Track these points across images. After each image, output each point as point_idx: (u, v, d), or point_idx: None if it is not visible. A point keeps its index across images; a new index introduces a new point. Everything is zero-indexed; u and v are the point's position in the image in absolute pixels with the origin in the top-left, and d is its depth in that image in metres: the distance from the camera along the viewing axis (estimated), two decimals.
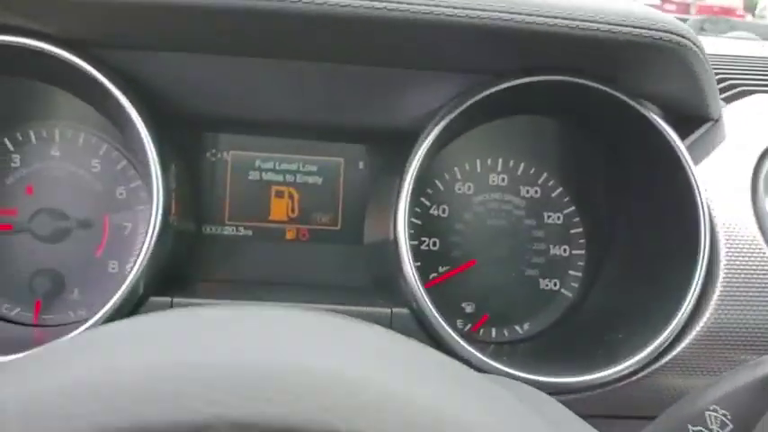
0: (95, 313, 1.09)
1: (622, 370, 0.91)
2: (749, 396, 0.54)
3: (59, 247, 1.13)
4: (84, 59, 0.90)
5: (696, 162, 0.99)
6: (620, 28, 0.82)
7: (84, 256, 1.14)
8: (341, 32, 0.84)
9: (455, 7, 0.79)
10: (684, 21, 1.73)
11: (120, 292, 0.89)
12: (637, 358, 0.91)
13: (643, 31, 0.82)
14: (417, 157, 0.98)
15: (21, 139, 1.14)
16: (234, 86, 0.99)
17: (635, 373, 0.92)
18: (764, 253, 0.95)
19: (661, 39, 0.83)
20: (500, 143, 1.22)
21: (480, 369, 0.91)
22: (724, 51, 1.36)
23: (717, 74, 1.16)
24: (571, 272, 1.23)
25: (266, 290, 1.09)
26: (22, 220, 1.12)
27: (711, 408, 0.55)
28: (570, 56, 0.89)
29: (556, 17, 0.81)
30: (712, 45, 1.40)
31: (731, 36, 1.81)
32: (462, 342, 0.91)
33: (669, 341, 0.92)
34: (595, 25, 0.81)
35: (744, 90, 1.13)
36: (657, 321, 0.94)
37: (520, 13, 0.80)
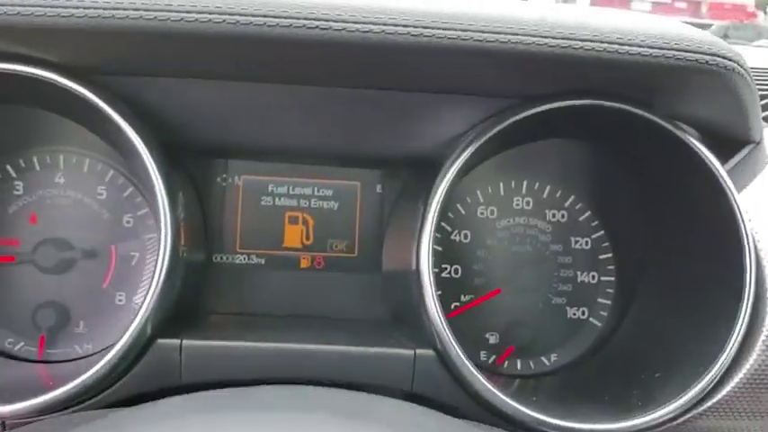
0: (101, 349, 1.06)
1: (662, 416, 0.85)
2: None
3: (64, 279, 1.08)
4: (87, 87, 0.85)
5: (739, 188, 0.93)
6: (662, 51, 0.76)
7: (91, 288, 1.09)
8: (359, 59, 0.79)
9: (484, 32, 0.73)
10: (707, 27, 1.66)
11: (127, 335, 0.83)
12: (678, 403, 0.84)
13: (688, 54, 0.76)
14: (443, 184, 0.92)
15: (24, 165, 1.09)
16: (243, 113, 0.94)
17: (675, 418, 0.86)
18: None
19: (707, 63, 0.77)
20: (525, 165, 1.16)
21: (510, 416, 0.85)
22: (755, 63, 1.29)
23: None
24: (600, 300, 1.17)
25: (280, 326, 1.03)
26: (25, 251, 1.07)
27: None
28: (606, 80, 0.84)
29: (593, 41, 0.75)
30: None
31: (759, 44, 1.74)
32: (492, 387, 0.85)
33: (713, 384, 0.85)
34: (636, 49, 0.75)
35: None
36: (699, 362, 0.87)
37: (555, 38, 0.74)
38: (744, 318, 0.86)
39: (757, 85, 1.14)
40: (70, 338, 1.08)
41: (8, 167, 1.09)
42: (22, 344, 1.07)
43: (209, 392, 0.68)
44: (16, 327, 1.07)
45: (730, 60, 0.78)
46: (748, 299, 0.87)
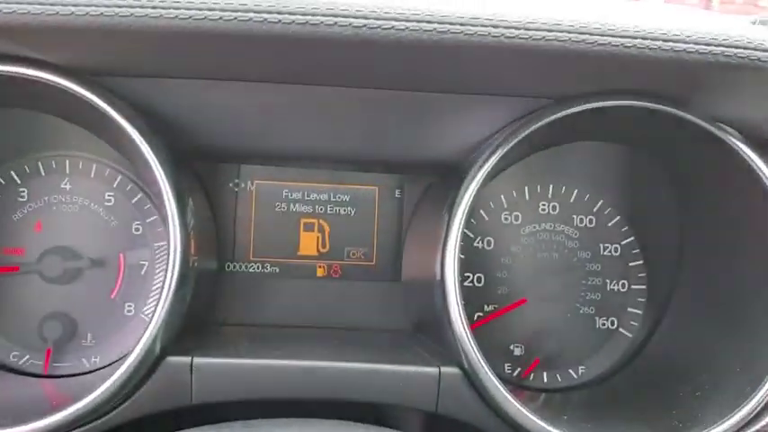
0: (109, 363, 1.02)
1: None
2: None
3: (71, 289, 1.04)
4: (89, 89, 0.80)
5: None
6: (709, 48, 0.70)
7: (98, 299, 1.04)
8: (382, 57, 0.73)
9: (516, 28, 0.68)
10: None
11: (135, 353, 0.79)
12: (726, 426, 0.79)
13: (737, 51, 0.70)
14: (470, 191, 0.87)
15: (28, 171, 1.05)
16: (257, 115, 0.89)
17: None
18: None
19: (759, 59, 0.71)
20: (551, 168, 1.11)
21: None
22: None
23: None
24: (630, 309, 1.11)
25: (295, 339, 0.98)
26: (30, 261, 1.03)
27: None
28: (644, 78, 0.78)
29: (635, 37, 0.69)
30: None
31: None
32: (523, 409, 0.80)
33: (762, 406, 0.79)
34: (681, 45, 0.70)
35: None
36: (745, 380, 0.82)
37: (591, 34, 0.69)
38: None
39: None
40: (77, 351, 1.04)
41: (12, 173, 1.04)
42: (28, 357, 1.02)
43: None
44: (21, 339, 1.02)
45: None
46: None
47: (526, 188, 1.12)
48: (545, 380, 1.10)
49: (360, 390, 0.81)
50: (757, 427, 0.81)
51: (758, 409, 0.80)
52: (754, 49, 0.70)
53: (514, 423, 0.81)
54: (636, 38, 0.69)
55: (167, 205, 0.84)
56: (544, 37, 0.68)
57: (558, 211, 1.12)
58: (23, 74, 0.79)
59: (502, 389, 0.80)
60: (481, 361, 0.81)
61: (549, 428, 0.79)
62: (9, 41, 0.77)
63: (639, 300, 1.12)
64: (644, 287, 1.12)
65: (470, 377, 0.82)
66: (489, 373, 0.81)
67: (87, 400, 0.77)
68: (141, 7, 0.67)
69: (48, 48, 0.78)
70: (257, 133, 0.92)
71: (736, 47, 0.70)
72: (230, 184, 1.11)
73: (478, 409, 0.82)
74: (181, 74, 0.83)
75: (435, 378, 0.82)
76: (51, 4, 0.68)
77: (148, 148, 0.82)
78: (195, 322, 0.99)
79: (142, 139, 0.82)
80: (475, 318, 1.09)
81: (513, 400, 0.80)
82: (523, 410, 0.80)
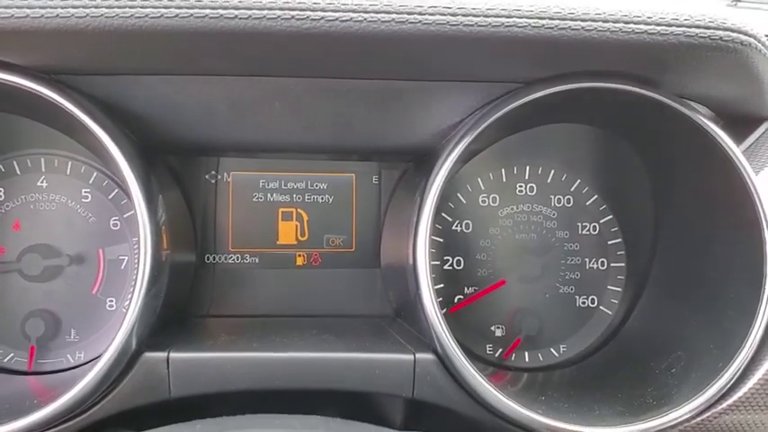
0: (93, 358, 1.03)
1: (679, 417, 0.80)
2: None
3: (52, 286, 1.04)
4: (52, 88, 0.80)
5: (756, 169, 0.87)
6: (671, 29, 0.70)
7: (80, 295, 1.05)
8: (345, 48, 0.73)
9: (475, 15, 0.67)
10: None
11: (110, 350, 0.79)
12: (695, 403, 0.80)
13: (699, 30, 0.70)
14: (440, 176, 0.87)
15: (4, 170, 1.05)
16: (228, 108, 0.88)
17: (692, 418, 0.81)
18: None
19: (721, 39, 0.70)
20: (527, 149, 1.11)
21: (516, 420, 0.80)
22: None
23: None
24: (610, 287, 1.12)
25: (275, 330, 0.99)
26: (10, 260, 1.03)
27: None
28: (609, 60, 0.77)
29: (595, 20, 0.69)
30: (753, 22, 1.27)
31: None
32: (495, 391, 0.81)
33: (734, 381, 0.80)
34: (642, 27, 0.69)
35: None
36: (718, 357, 0.83)
37: (551, 18, 0.68)
38: (764, 309, 0.81)
39: None
40: (62, 347, 1.04)
41: None
42: (12, 355, 1.03)
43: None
44: (5, 338, 1.03)
45: (746, 35, 0.72)
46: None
47: (503, 170, 1.12)
48: (527, 359, 1.11)
49: (337, 379, 0.82)
50: (728, 402, 0.82)
51: (729, 385, 0.81)
52: (716, 29, 0.70)
53: (489, 406, 0.82)
54: (596, 21, 0.69)
55: (136, 201, 0.84)
56: (503, 23, 0.67)
57: (535, 191, 1.12)
58: None
59: (475, 373, 0.81)
60: (454, 346, 0.82)
61: (523, 411, 0.80)
62: None
63: (619, 277, 1.12)
64: (623, 264, 1.12)
65: (444, 362, 0.82)
66: (462, 357, 0.82)
67: (66, 397, 0.78)
68: (96, 7, 0.66)
69: (11, 50, 0.77)
70: (229, 126, 0.91)
71: (698, 26, 0.70)
72: (206, 176, 1.11)
73: (454, 393, 0.83)
74: (147, 70, 0.82)
75: (410, 364, 0.83)
76: (18, 7, 0.67)
77: (114, 146, 0.82)
78: (175, 315, 1.00)
79: (108, 136, 0.81)
80: (455, 300, 1.10)
81: (486, 384, 0.81)
82: (497, 394, 0.81)
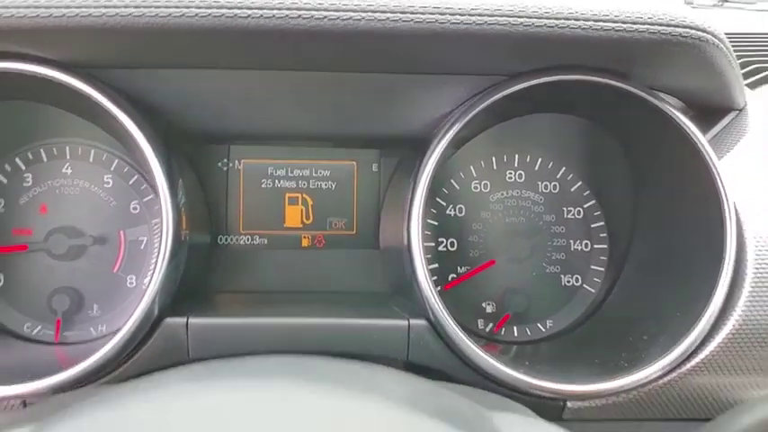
0: (115, 330, 1.11)
1: (647, 375, 0.88)
2: None
3: (76, 265, 1.13)
4: (86, 82, 0.89)
5: (719, 155, 0.96)
6: (635, 26, 0.78)
7: (102, 273, 1.14)
8: (343, 44, 0.82)
9: (461, 14, 0.76)
10: None
11: (134, 316, 0.88)
12: (663, 362, 0.88)
13: (661, 28, 0.78)
14: (431, 162, 0.95)
15: (31, 158, 1.14)
16: (240, 99, 0.97)
17: (661, 377, 0.90)
18: None
19: (680, 35, 0.79)
20: (516, 139, 1.19)
21: (501, 380, 0.89)
22: (749, 29, 1.30)
23: (741, 57, 1.12)
24: (593, 267, 1.20)
25: (282, 302, 1.08)
26: (38, 240, 1.12)
27: None
28: (583, 55, 0.86)
29: (568, 19, 0.77)
30: (737, 21, 1.35)
31: (758, 8, 1.73)
32: (482, 352, 0.89)
33: (697, 343, 0.89)
34: (610, 25, 0.78)
35: None
36: (684, 323, 0.91)
37: (529, 17, 0.77)
38: (725, 279, 0.89)
39: (750, 51, 1.17)
40: (85, 321, 1.13)
41: (17, 160, 1.13)
42: (40, 327, 1.12)
43: (205, 363, 0.73)
44: (33, 312, 1.12)
45: (703, 32, 0.80)
46: (729, 260, 0.90)
47: (493, 158, 1.21)
48: (515, 334, 1.19)
49: (339, 343, 0.91)
50: (693, 362, 0.90)
51: (693, 347, 0.89)
52: (676, 26, 0.78)
53: (478, 367, 0.90)
54: (568, 19, 0.77)
55: (159, 185, 0.93)
56: (486, 22, 0.76)
57: (523, 178, 1.21)
58: (24, 70, 0.87)
59: (462, 335, 0.89)
60: (444, 312, 0.90)
61: (509, 371, 0.89)
62: (7, 41, 0.85)
63: (601, 258, 1.21)
64: (605, 246, 1.21)
65: (435, 327, 0.91)
66: (452, 322, 0.90)
67: (92, 358, 0.86)
68: (125, 7, 0.75)
69: (44, 46, 0.86)
70: (241, 116, 1.00)
71: (660, 24, 0.78)
72: (219, 164, 1.20)
73: (446, 356, 0.92)
74: (168, 64, 0.91)
75: (405, 330, 0.91)
76: (46, 7, 0.76)
77: (141, 135, 0.91)
78: (191, 290, 1.08)
79: (135, 126, 0.90)
80: (449, 279, 1.18)
81: (474, 347, 0.90)
82: (484, 355, 0.89)
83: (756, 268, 0.91)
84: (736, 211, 0.93)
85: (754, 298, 0.90)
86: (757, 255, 0.91)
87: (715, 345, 0.89)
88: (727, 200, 0.92)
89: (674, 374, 0.90)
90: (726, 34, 0.88)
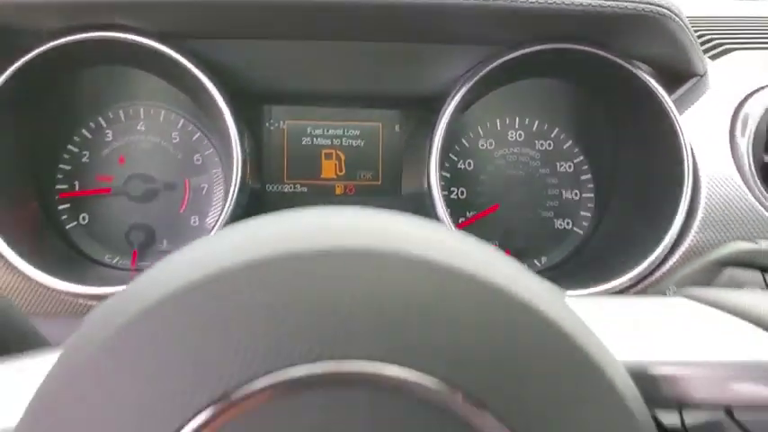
0: None
1: (622, 283, 1.11)
2: (698, 275, 0.74)
3: (150, 206, 1.36)
4: (176, 50, 1.11)
5: (681, 111, 1.18)
6: (608, 2, 1.00)
7: (171, 213, 1.36)
8: (376, 18, 1.04)
9: None
10: None
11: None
12: (633, 273, 1.10)
13: (627, 4, 1.00)
14: (444, 118, 1.18)
15: (112, 117, 1.36)
16: (292, 65, 1.20)
17: (632, 286, 1.12)
18: (738, 184, 1.14)
19: (643, 10, 1.01)
20: (517, 104, 1.41)
21: None
22: (709, 12, 1.52)
23: (703, 34, 1.34)
24: (582, 212, 1.42)
25: None
26: (118, 185, 1.35)
27: (670, 288, 0.75)
28: (568, 27, 1.08)
29: (557, 2, 0.99)
30: (698, 4, 1.57)
31: None
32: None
33: (661, 258, 1.11)
34: (588, 2, 1.00)
35: (727, 48, 1.30)
36: (650, 245, 1.13)
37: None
38: (683, 208, 1.12)
39: (710, 29, 1.39)
40: (156, 253, 1.36)
41: (100, 119, 1.36)
42: (118, 258, 1.35)
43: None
44: (114, 245, 1.35)
45: (662, 8, 1.02)
46: (686, 193, 1.12)
47: (497, 120, 1.43)
48: None
49: None
50: (659, 273, 1.12)
51: (658, 261, 1.11)
52: (639, 2, 1.01)
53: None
54: (558, 3, 1.00)
55: (232, 136, 1.15)
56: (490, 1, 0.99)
57: (523, 138, 1.43)
58: (126, 39, 1.10)
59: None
60: None
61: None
62: (112, 15, 1.08)
63: (589, 205, 1.43)
64: (592, 195, 1.43)
65: None
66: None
67: None
68: None
69: (142, 18, 1.09)
70: (290, 79, 1.23)
71: (628, 1, 1.00)
72: (267, 124, 1.43)
73: None
74: (238, 35, 1.13)
75: None
76: None
77: (218, 95, 1.14)
78: None
79: (214, 87, 1.13)
80: (459, 221, 1.41)
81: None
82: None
83: (707, 200, 1.13)
84: (693, 155, 1.15)
85: (705, 223, 1.12)
86: (708, 189, 1.13)
87: (675, 259, 1.12)
88: (686, 147, 1.14)
89: (642, 284, 1.12)
90: (692, 17, 1.10)
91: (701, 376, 0.44)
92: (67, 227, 1.34)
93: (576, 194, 1.43)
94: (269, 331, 0.35)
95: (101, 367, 0.35)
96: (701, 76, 1.24)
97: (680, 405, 0.44)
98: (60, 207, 1.34)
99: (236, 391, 0.35)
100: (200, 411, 0.34)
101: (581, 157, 1.43)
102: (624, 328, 0.49)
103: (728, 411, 0.43)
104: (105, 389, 0.35)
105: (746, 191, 1.14)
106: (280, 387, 0.35)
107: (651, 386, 0.43)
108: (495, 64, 1.13)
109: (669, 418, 0.44)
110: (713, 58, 1.30)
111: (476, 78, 1.15)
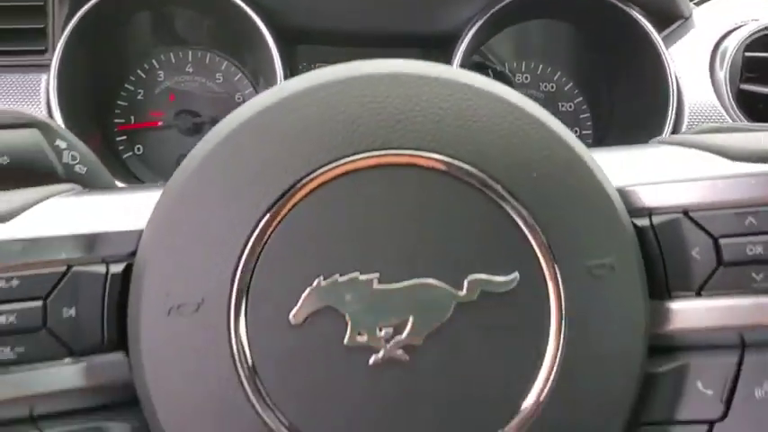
0: None
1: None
2: None
3: (196, 138, 1.48)
4: None
5: (668, 47, 1.34)
6: None
7: None
8: None
9: None
10: None
11: None
12: None
13: None
14: (458, 53, 1.35)
15: (163, 59, 1.54)
16: (326, 3, 1.37)
17: None
18: (719, 111, 1.30)
19: None
20: (522, 50, 1.58)
21: None
22: None
23: None
24: None
25: None
26: (168, 119, 1.52)
27: None
28: None
29: None
30: None
31: None
32: None
33: None
34: None
35: None
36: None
37: None
38: (668, 131, 1.28)
39: None
40: None
41: (153, 61, 1.53)
42: None
43: None
44: (164, 172, 1.51)
45: None
46: (670, 119, 1.29)
47: (506, 64, 1.59)
48: None
49: None
50: None
51: None
52: None
53: None
54: None
55: (277, 71, 1.32)
56: None
57: (529, 80, 1.59)
58: None
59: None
60: None
61: None
62: None
63: (588, 141, 1.59)
64: (591, 132, 1.59)
65: None
66: None
67: None
68: None
69: None
70: (323, 16, 1.40)
71: None
72: (300, 66, 1.59)
73: None
74: None
75: None
76: None
77: (267, 33, 1.31)
78: None
79: (264, 26, 1.30)
80: None
81: None
82: None
83: (689, 126, 1.30)
84: (678, 85, 1.31)
85: None
86: (690, 113, 1.30)
87: None
88: (671, 77, 1.30)
89: None
90: None
91: (665, 190, 0.60)
92: (124, 156, 1.52)
93: (576, 132, 1.59)
94: (354, 128, 0.52)
95: (220, 153, 0.54)
96: (687, 18, 1.40)
97: (650, 212, 0.59)
98: (118, 138, 1.52)
99: (322, 168, 0.50)
100: (296, 184, 0.50)
101: (580, 98, 1.59)
102: (609, 165, 0.64)
103: (685, 212, 0.58)
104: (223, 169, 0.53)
105: (726, 117, 1.31)
106: (354, 171, 0.50)
107: (628, 200, 0.58)
108: (502, 4, 1.30)
109: (642, 222, 0.59)
110: (697, 4, 1.46)
111: (485, 17, 1.31)
